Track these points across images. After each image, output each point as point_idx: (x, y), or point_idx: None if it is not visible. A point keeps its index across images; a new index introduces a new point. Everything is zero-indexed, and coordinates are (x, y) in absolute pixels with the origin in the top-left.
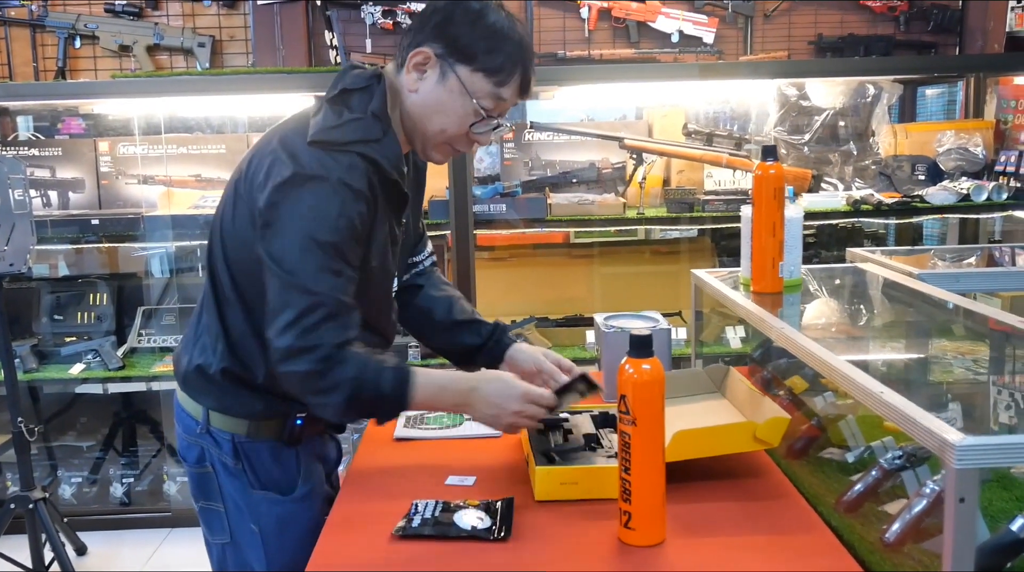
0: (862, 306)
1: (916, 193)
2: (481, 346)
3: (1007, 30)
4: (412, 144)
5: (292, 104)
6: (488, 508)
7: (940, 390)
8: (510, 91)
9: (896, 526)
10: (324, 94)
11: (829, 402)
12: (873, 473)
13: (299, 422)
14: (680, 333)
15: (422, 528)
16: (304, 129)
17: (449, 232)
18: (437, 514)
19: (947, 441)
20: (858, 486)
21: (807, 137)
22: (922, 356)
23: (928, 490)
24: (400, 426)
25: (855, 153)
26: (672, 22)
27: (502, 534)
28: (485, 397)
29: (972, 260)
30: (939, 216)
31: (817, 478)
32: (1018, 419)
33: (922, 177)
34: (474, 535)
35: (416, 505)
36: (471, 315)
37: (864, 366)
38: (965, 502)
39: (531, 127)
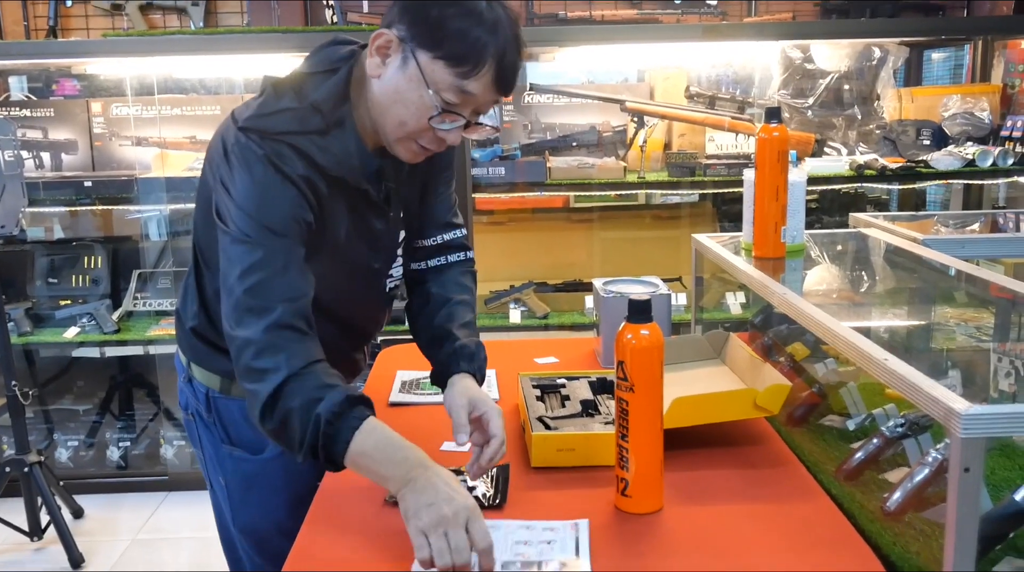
0: (865, 272)
1: (921, 158)
2: (434, 365)
3: None
4: (379, 136)
5: (288, 64)
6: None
7: (941, 357)
8: (479, 85)
9: (897, 495)
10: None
11: (830, 369)
12: (874, 441)
13: None
14: (680, 299)
15: None
16: (245, 112)
17: None
18: None
19: (953, 410)
20: (859, 454)
21: (811, 101)
22: (924, 322)
23: (931, 459)
24: (395, 391)
25: (859, 117)
26: None
27: (497, 501)
28: (437, 473)
29: (976, 226)
30: (943, 182)
31: (817, 446)
32: (1018, 387)
33: (927, 142)
34: None
35: None
36: (448, 330)
37: (866, 332)
38: (970, 472)
39: (531, 89)
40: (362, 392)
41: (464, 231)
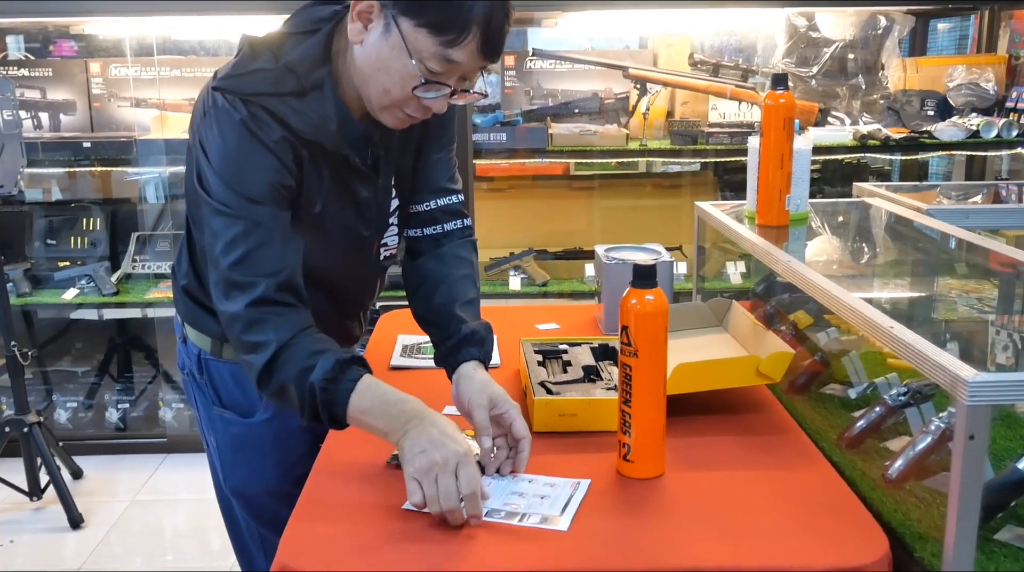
0: (869, 242)
1: (924, 129)
2: (438, 347)
3: None
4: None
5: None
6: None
7: (940, 328)
8: (464, 54)
9: (899, 463)
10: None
11: (832, 338)
12: (877, 409)
13: None
14: (680, 268)
15: None
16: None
17: None
18: None
19: (960, 377)
20: (861, 422)
21: (815, 70)
22: (926, 293)
23: (933, 427)
24: (396, 355)
25: (863, 87)
26: None
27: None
28: (434, 422)
29: (979, 198)
30: (946, 153)
31: (819, 414)
32: (1016, 360)
33: (931, 113)
34: None
35: None
36: (449, 311)
37: (869, 301)
38: (975, 439)
39: (533, 55)
40: (354, 352)
41: (461, 197)
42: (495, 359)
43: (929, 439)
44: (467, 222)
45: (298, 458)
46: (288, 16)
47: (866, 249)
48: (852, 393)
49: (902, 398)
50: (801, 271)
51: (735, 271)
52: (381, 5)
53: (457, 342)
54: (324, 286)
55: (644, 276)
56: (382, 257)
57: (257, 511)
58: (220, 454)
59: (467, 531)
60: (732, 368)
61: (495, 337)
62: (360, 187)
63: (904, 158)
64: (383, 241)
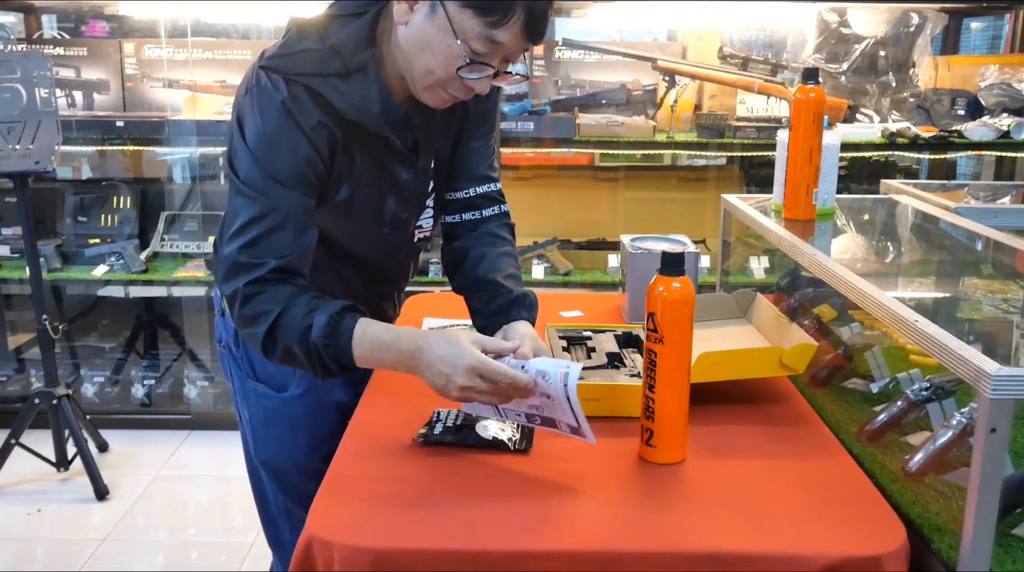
0: (895, 238)
1: (954, 128)
2: (490, 314)
3: None
4: (407, 83)
5: (317, 10)
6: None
7: (963, 326)
8: (508, 35)
9: (919, 456)
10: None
11: (856, 332)
12: (898, 404)
13: None
14: (704, 261)
15: (443, 436)
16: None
17: None
18: (459, 422)
19: (983, 370)
20: (882, 416)
21: (845, 66)
22: (951, 292)
23: (955, 422)
24: None
25: (894, 84)
26: None
27: (523, 446)
28: (430, 362)
29: (1007, 198)
30: (975, 153)
31: (840, 407)
32: None
33: (961, 112)
34: (495, 445)
35: (438, 413)
36: (493, 280)
37: (906, 301)
38: (996, 433)
39: (562, 45)
40: (344, 302)
41: (499, 186)
42: None
43: (950, 433)
44: (504, 208)
45: (327, 434)
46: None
47: (892, 246)
48: (874, 388)
49: (924, 393)
50: (827, 265)
51: (759, 266)
52: None
53: (507, 302)
54: (360, 266)
55: (672, 264)
56: (416, 238)
57: (285, 484)
58: (252, 427)
59: (490, 510)
60: (755, 358)
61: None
62: (400, 169)
63: (932, 157)
64: (418, 222)
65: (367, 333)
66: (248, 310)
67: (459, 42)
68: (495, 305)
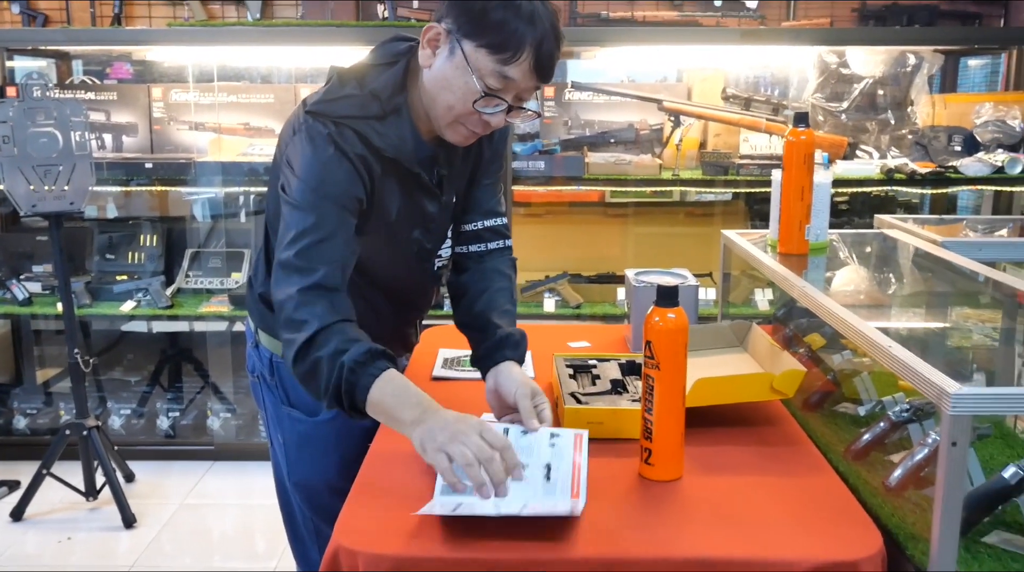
0: (884, 270)
1: (951, 164)
2: (476, 349)
3: None
4: (432, 124)
5: (339, 57)
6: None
7: (940, 353)
8: (518, 71)
9: (898, 472)
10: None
11: (846, 359)
12: (881, 425)
13: None
14: (710, 294)
15: None
16: (315, 97)
17: None
18: None
19: (945, 390)
20: (866, 436)
21: (845, 105)
22: (938, 319)
23: (931, 440)
24: (438, 367)
25: (892, 122)
26: None
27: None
28: (442, 416)
29: (1004, 231)
30: (973, 187)
31: (829, 429)
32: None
33: (958, 148)
34: None
35: None
36: (488, 317)
37: (885, 329)
38: (957, 446)
39: (571, 86)
40: (385, 349)
41: (505, 220)
42: (529, 372)
43: (926, 451)
44: (508, 242)
45: (356, 455)
46: (371, 49)
47: (881, 277)
48: (861, 411)
49: (905, 414)
50: (814, 296)
51: (763, 298)
52: (447, 31)
53: (495, 344)
54: (391, 293)
55: (667, 296)
56: (436, 267)
57: (317, 504)
58: (286, 450)
59: (500, 520)
60: (748, 384)
61: (527, 344)
62: (427, 203)
63: (933, 192)
64: (439, 252)
65: (396, 379)
66: (298, 315)
67: (475, 78)
68: (485, 347)
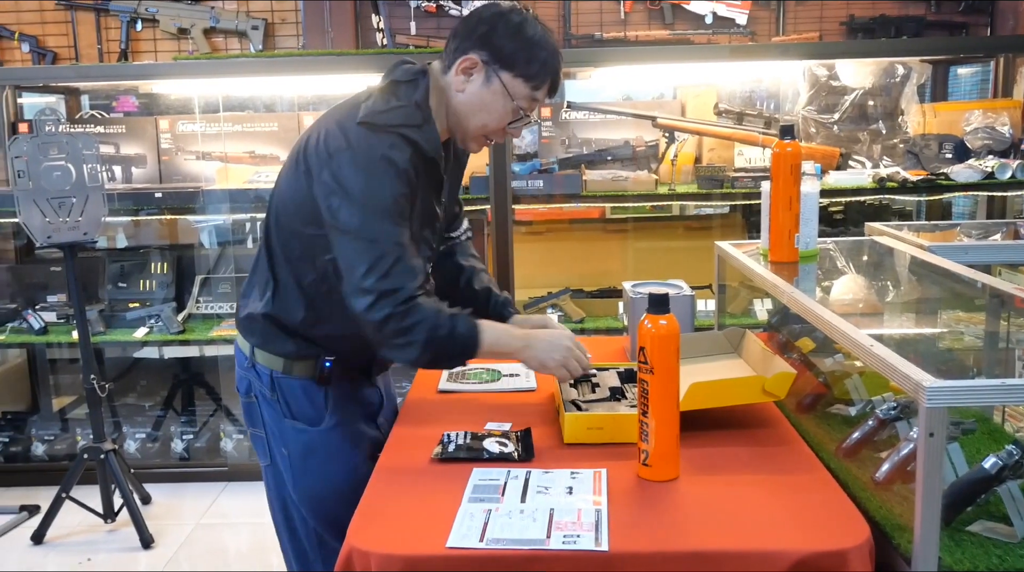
0: (873, 276)
1: (942, 171)
2: (485, 314)
3: None
4: (453, 135)
5: (340, 84)
6: (506, 435)
7: (924, 350)
8: (542, 93)
9: (885, 467)
10: (379, 80)
11: (837, 362)
12: (870, 423)
13: (328, 365)
14: (709, 305)
15: (457, 452)
16: (356, 113)
17: (489, 207)
18: (468, 441)
19: (920, 384)
20: (856, 434)
21: (836, 116)
22: (924, 320)
23: (915, 435)
24: (443, 380)
25: (884, 132)
26: (706, 4)
27: (526, 456)
28: (541, 339)
29: (997, 236)
30: (966, 193)
31: (821, 429)
32: None
33: (949, 155)
34: (502, 457)
35: (448, 435)
36: (485, 285)
37: (877, 334)
38: (934, 437)
39: (568, 106)
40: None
41: (466, 223)
42: (532, 382)
43: (911, 446)
44: (469, 230)
45: (360, 461)
46: (384, 72)
47: (870, 283)
48: (852, 411)
49: (892, 412)
50: (802, 301)
51: (761, 308)
52: (483, 62)
53: (503, 301)
54: None
55: (658, 304)
56: (429, 269)
57: (323, 513)
58: (292, 462)
59: None
60: (741, 387)
61: None
62: (435, 203)
63: (928, 199)
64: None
65: (494, 325)
66: (406, 322)
67: (513, 102)
68: (498, 300)
